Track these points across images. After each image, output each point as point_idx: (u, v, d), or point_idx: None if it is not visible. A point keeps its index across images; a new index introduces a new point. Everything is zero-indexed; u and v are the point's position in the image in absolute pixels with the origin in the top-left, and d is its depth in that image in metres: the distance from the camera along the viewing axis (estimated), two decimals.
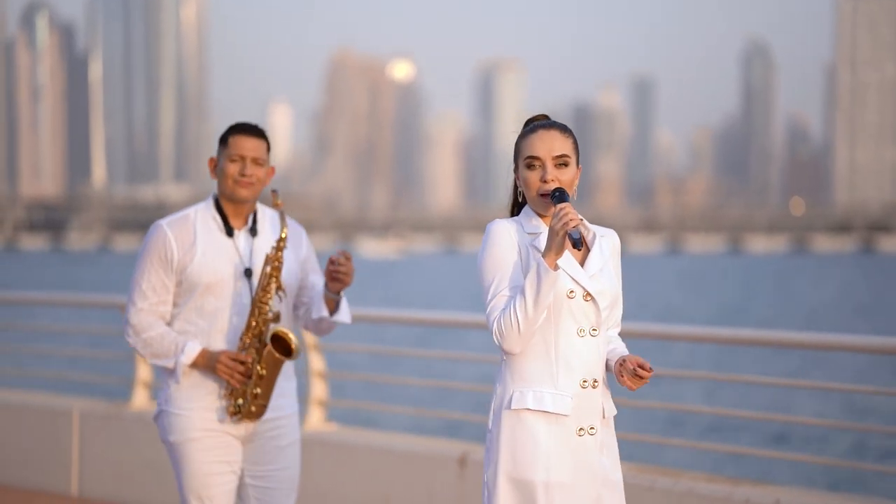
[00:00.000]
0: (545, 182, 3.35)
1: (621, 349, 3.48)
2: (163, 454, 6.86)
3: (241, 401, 4.22)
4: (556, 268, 3.26)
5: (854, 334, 5.40)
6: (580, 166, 3.43)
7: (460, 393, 19.96)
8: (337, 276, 4.24)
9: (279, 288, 4.24)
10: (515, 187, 3.50)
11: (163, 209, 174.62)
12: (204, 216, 4.31)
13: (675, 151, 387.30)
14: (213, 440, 4.22)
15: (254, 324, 4.22)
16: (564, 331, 3.33)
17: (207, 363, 4.18)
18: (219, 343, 4.25)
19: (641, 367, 3.31)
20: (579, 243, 3.22)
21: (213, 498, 4.23)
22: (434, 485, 5.99)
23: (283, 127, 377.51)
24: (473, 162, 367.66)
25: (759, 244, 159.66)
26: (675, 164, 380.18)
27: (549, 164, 3.35)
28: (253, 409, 4.22)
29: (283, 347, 4.21)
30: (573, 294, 3.33)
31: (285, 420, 4.36)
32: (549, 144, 3.36)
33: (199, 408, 4.24)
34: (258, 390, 4.21)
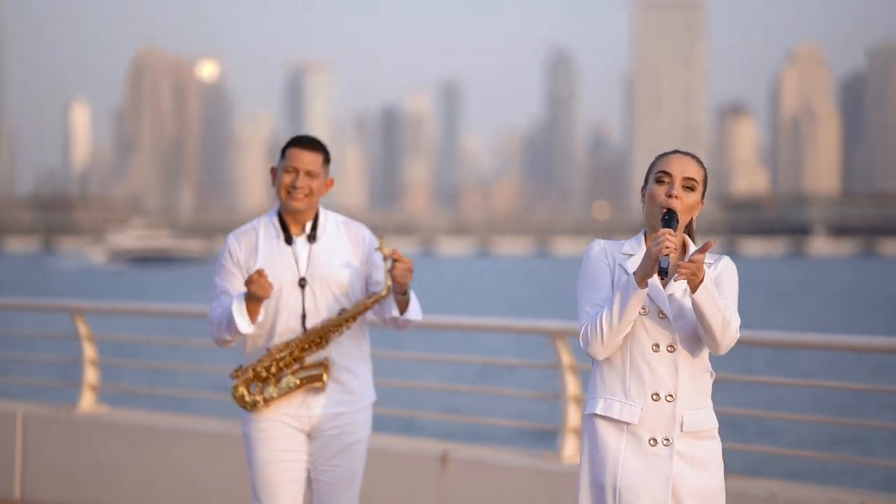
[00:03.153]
0: (670, 197, 3.55)
1: None
2: (110, 456, 6.93)
3: (249, 374, 4.37)
4: (644, 286, 3.46)
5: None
6: (704, 201, 3.63)
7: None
8: (393, 276, 4.35)
9: (348, 321, 4.41)
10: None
11: None
12: (266, 226, 4.48)
13: (482, 156, 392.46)
14: (278, 431, 4.39)
15: (307, 345, 4.38)
16: (639, 345, 3.54)
17: (254, 292, 4.26)
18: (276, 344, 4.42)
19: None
20: (664, 273, 3.41)
21: (277, 485, 4.39)
22: (415, 484, 6.07)
23: (82, 126, 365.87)
24: None
25: (566, 246, 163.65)
26: (483, 168, 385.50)
27: (678, 183, 3.56)
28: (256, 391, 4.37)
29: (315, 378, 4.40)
30: (646, 310, 3.54)
31: (350, 416, 4.45)
32: (682, 165, 3.58)
33: None
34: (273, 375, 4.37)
